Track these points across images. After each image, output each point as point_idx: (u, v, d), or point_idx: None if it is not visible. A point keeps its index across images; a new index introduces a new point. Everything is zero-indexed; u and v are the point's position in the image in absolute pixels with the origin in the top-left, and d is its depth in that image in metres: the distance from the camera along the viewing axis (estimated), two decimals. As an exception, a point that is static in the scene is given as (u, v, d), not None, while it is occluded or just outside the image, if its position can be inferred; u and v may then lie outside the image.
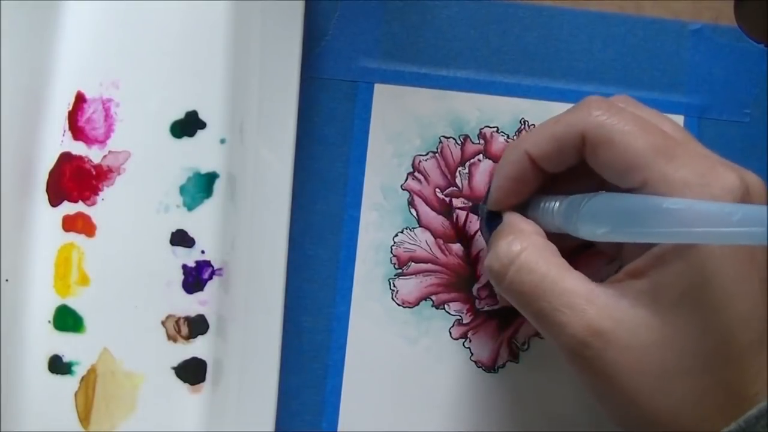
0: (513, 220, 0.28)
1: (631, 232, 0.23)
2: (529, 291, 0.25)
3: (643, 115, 0.26)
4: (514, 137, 0.32)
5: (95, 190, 0.28)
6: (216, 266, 0.28)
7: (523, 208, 0.28)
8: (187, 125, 0.28)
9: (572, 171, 0.27)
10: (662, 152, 0.24)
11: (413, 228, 0.32)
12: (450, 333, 0.31)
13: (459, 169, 0.32)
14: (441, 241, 0.32)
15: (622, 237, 0.23)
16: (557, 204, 0.26)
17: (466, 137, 0.32)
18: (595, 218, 0.24)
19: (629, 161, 0.24)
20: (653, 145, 0.24)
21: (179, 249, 0.28)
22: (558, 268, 0.25)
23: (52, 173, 0.28)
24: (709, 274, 0.23)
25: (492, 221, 0.28)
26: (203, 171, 0.28)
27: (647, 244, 0.24)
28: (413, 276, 0.31)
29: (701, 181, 0.23)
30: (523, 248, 0.26)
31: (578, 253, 0.29)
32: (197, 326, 0.28)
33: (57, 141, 0.29)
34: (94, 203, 0.28)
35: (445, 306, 0.32)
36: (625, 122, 0.25)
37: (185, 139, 0.28)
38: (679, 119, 0.32)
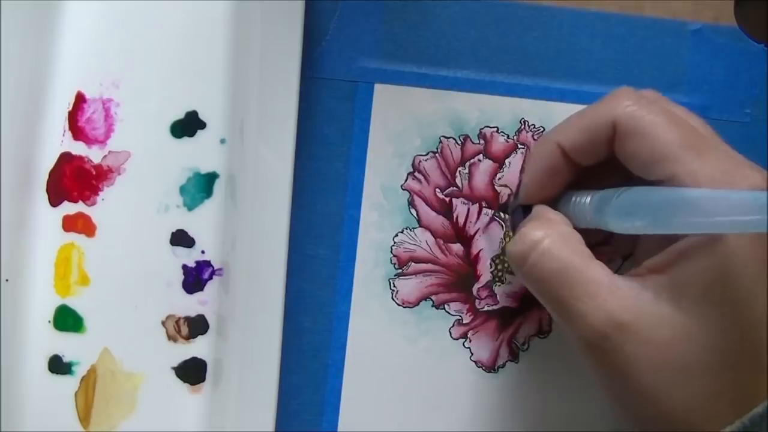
0: (541, 210, 0.28)
1: (663, 224, 0.23)
2: (550, 277, 0.25)
3: (672, 109, 0.26)
4: (515, 137, 0.32)
5: (95, 190, 0.28)
6: (216, 266, 0.28)
7: (554, 204, 0.28)
8: (187, 125, 0.28)
9: (601, 166, 0.27)
10: (691, 147, 0.24)
11: (413, 228, 0.32)
12: (450, 333, 0.31)
13: (459, 169, 0.32)
14: (441, 241, 0.32)
15: (655, 229, 0.23)
16: (588, 198, 0.26)
17: (466, 137, 0.32)
18: (627, 211, 0.24)
19: (658, 153, 0.24)
20: (682, 138, 0.24)
21: (179, 249, 0.28)
22: (582, 256, 0.25)
23: (52, 173, 0.28)
24: (732, 271, 0.23)
25: (518, 218, 0.28)
26: (203, 171, 0.28)
27: (669, 239, 0.24)
28: (413, 276, 0.31)
29: (727, 179, 0.23)
30: (548, 234, 0.26)
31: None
32: (197, 326, 0.28)
33: (57, 141, 0.28)
34: (94, 203, 0.28)
35: (445, 306, 0.32)
36: (655, 114, 0.25)
37: (185, 139, 0.28)
38: (679, 119, 0.32)
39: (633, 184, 0.25)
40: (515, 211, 0.30)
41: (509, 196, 0.31)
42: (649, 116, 0.25)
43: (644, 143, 0.25)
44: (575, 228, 0.27)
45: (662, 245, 0.25)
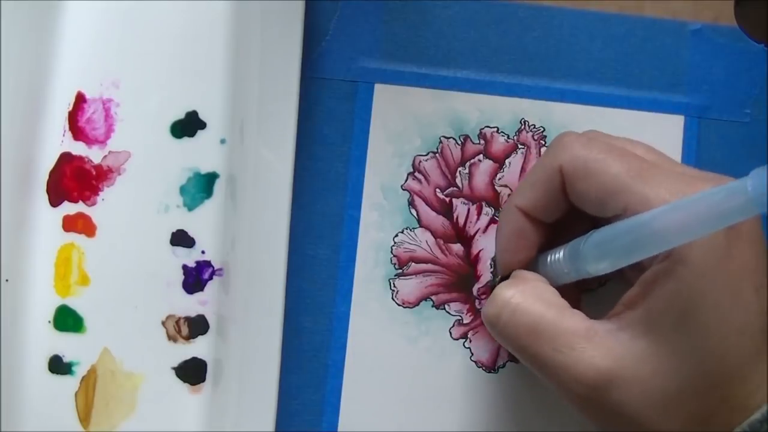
0: (517, 272, 0.28)
1: (630, 254, 0.23)
2: (525, 333, 0.25)
3: (614, 143, 0.26)
4: (515, 137, 0.32)
5: (95, 191, 0.28)
6: (216, 266, 0.28)
7: (533, 269, 0.28)
8: (188, 125, 0.28)
9: (570, 219, 0.27)
10: (638, 175, 0.24)
11: (413, 228, 0.32)
12: (450, 333, 0.31)
13: (459, 169, 0.32)
14: (441, 242, 0.32)
15: (626, 261, 0.24)
16: (561, 253, 0.27)
17: (467, 137, 0.32)
18: (598, 253, 0.24)
19: (606, 188, 0.25)
20: (628, 169, 0.25)
21: (179, 249, 0.28)
22: (556, 308, 0.25)
23: (52, 173, 0.28)
24: (700, 291, 0.23)
25: None
26: (203, 171, 0.28)
27: (641, 267, 0.24)
28: (413, 276, 0.31)
29: (679, 198, 0.23)
30: (519, 291, 0.26)
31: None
32: (197, 326, 0.28)
33: (57, 141, 0.29)
34: (94, 203, 0.28)
35: (446, 306, 0.32)
36: (597, 151, 0.25)
37: (185, 139, 0.28)
38: (679, 119, 0.32)
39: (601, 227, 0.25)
40: (497, 283, 0.30)
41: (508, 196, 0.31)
42: (591, 153, 0.25)
43: (591, 181, 0.25)
44: (563, 289, 0.27)
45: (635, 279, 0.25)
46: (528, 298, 0.25)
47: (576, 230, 0.27)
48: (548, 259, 0.28)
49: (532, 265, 0.28)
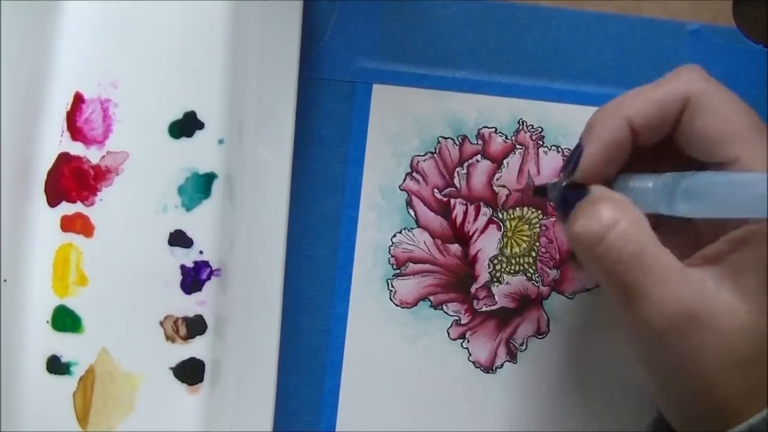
0: (605, 191, 0.26)
1: (732, 209, 0.23)
2: (627, 260, 0.24)
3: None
4: (513, 138, 0.32)
5: (94, 191, 0.28)
6: (214, 267, 0.28)
7: (608, 187, 0.27)
8: (186, 126, 0.28)
9: (646, 152, 0.26)
10: (758, 130, 0.24)
11: (411, 228, 0.32)
12: (448, 333, 0.32)
13: (457, 169, 0.32)
14: (439, 242, 0.32)
15: (724, 213, 0.23)
16: (651, 183, 0.25)
17: (465, 137, 0.32)
18: (699, 196, 0.24)
19: (728, 133, 0.24)
20: (751, 121, 0.24)
21: (177, 249, 0.28)
22: (656, 242, 0.24)
23: (50, 173, 0.28)
24: None
25: (571, 198, 0.26)
26: (201, 171, 0.28)
27: (723, 228, 0.24)
28: (411, 276, 0.32)
29: None
30: (625, 215, 0.25)
31: None
32: (195, 327, 0.28)
33: (55, 141, 0.29)
34: (92, 204, 0.28)
35: (444, 306, 0.32)
36: (729, 94, 0.25)
37: (183, 140, 0.28)
38: (678, 120, 0.32)
39: (683, 169, 0.24)
40: (566, 189, 0.27)
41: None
42: (723, 95, 0.25)
43: (715, 120, 0.24)
44: None
45: (714, 234, 0.24)
46: (632, 225, 0.24)
47: (651, 162, 0.26)
48: (629, 183, 0.26)
49: (608, 183, 0.27)
